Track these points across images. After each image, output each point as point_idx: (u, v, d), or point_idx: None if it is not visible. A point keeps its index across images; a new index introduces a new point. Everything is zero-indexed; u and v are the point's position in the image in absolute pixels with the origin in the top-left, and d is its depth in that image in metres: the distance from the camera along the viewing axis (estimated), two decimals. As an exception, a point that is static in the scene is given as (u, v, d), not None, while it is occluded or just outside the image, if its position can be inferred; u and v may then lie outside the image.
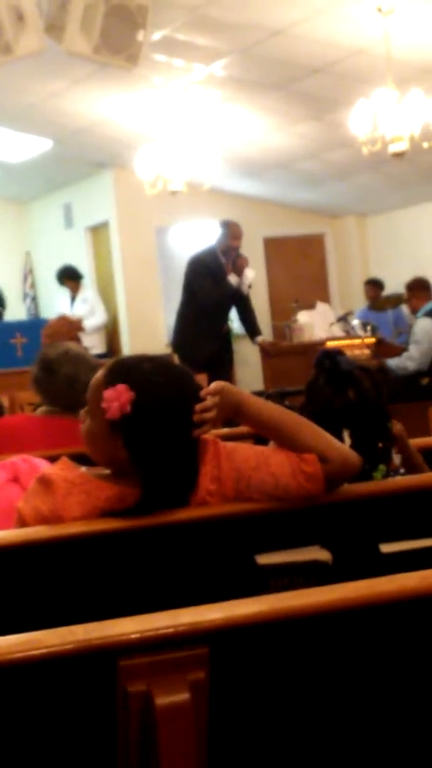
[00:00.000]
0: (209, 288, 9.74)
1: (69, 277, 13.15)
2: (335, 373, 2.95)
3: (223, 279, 9.72)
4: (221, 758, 1.64)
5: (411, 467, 3.14)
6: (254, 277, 9.98)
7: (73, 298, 13.09)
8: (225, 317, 10.05)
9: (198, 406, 2.52)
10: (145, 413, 2.50)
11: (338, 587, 1.70)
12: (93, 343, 11.94)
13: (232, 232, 9.92)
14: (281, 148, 12.21)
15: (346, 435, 2.84)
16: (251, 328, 10.34)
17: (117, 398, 2.50)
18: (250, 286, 9.90)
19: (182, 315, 10.11)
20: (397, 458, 3.00)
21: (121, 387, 2.51)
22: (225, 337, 10.08)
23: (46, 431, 4.05)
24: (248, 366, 13.04)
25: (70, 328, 5.81)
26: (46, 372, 4.20)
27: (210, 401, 2.53)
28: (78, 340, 5.70)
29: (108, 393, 2.52)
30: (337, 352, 3.05)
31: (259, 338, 10.43)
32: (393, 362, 9.11)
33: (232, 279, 9.76)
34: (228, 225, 10.01)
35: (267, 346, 10.61)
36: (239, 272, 9.77)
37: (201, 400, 2.54)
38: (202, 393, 2.55)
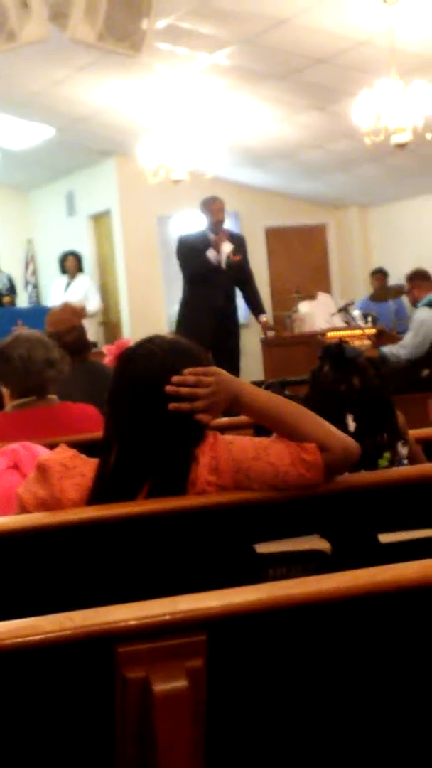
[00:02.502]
0: (192, 262, 9.89)
1: (74, 256, 13.08)
2: (340, 360, 2.98)
3: (203, 253, 9.85)
4: (219, 745, 1.64)
5: (411, 459, 3.15)
6: (231, 250, 9.94)
7: (67, 285, 13.05)
8: (217, 292, 9.96)
9: (175, 379, 2.52)
10: (125, 373, 2.58)
11: (337, 576, 1.70)
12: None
13: (209, 208, 10.02)
14: (284, 138, 12.19)
15: (350, 420, 2.85)
16: (253, 305, 10.33)
17: (118, 346, 2.60)
18: (230, 258, 9.90)
19: (182, 299, 10.22)
20: (404, 449, 3.00)
21: (123, 342, 2.60)
22: (226, 320, 9.97)
23: (18, 426, 4.04)
24: (249, 356, 13.03)
25: (73, 315, 5.79)
26: (2, 360, 4.19)
27: (191, 378, 2.52)
28: (81, 327, 5.68)
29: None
30: (343, 342, 3.09)
31: (263, 317, 10.41)
32: (386, 349, 9.10)
33: (210, 254, 9.85)
34: (205, 203, 10.11)
35: (267, 327, 10.58)
36: (216, 248, 9.86)
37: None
38: (187, 371, 2.54)
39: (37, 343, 4.23)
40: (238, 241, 10.09)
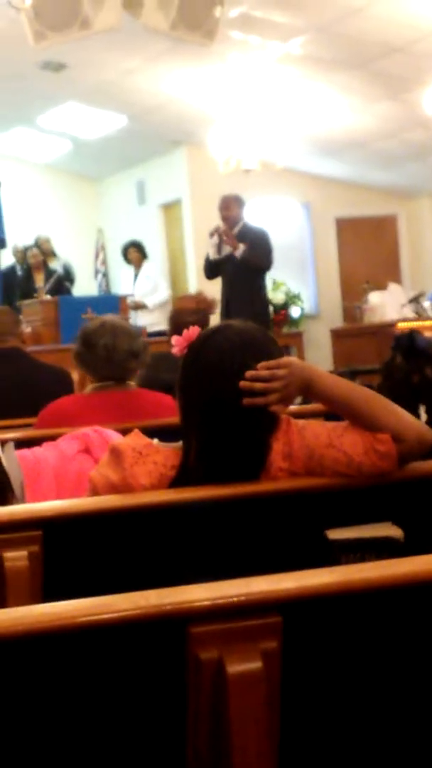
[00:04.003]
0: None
1: (135, 247, 13.07)
2: (412, 351, 2.95)
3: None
4: (292, 728, 1.64)
5: None
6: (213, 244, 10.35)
7: (136, 275, 13.04)
8: (224, 284, 10.24)
9: (248, 374, 2.51)
10: (196, 366, 2.56)
11: (414, 560, 1.69)
12: (156, 320, 11.94)
13: (218, 207, 10.38)
14: (357, 128, 12.13)
15: (422, 411, 2.83)
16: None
17: (186, 338, 2.57)
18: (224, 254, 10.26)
19: None
20: None
21: (194, 329, 2.57)
22: (233, 313, 9.92)
23: (95, 409, 4.06)
24: (317, 346, 13.01)
25: (201, 302, 5.78)
26: (86, 346, 4.21)
27: (265, 372, 2.51)
28: (204, 315, 5.66)
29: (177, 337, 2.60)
30: (415, 332, 3.06)
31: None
32: None
33: (210, 251, 10.31)
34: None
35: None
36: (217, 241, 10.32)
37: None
38: (261, 365, 2.52)
39: (122, 332, 4.24)
40: (247, 237, 10.19)
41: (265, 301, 10.53)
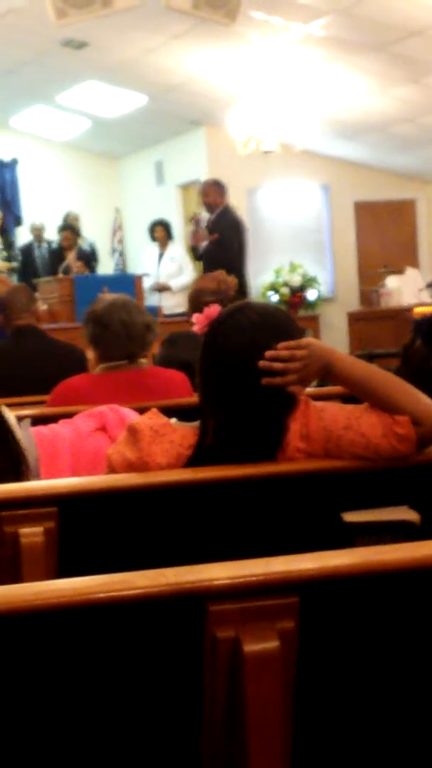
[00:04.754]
0: None
1: (162, 226, 12.98)
2: (431, 336, 2.94)
3: None
4: (307, 708, 1.64)
5: None
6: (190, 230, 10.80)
7: (160, 256, 12.97)
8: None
9: (268, 354, 2.51)
10: (215, 346, 2.56)
11: (430, 543, 1.68)
12: (179, 302, 11.92)
13: (198, 193, 10.73)
14: (377, 111, 12.09)
15: (441, 397, 2.82)
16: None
17: (207, 316, 2.58)
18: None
19: None
20: None
21: (215, 308, 2.57)
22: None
23: (107, 388, 4.05)
24: (334, 329, 12.99)
25: (222, 282, 5.75)
26: (100, 326, 4.19)
27: (285, 352, 2.51)
28: (226, 295, 5.64)
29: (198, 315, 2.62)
30: (434, 316, 3.05)
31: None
32: None
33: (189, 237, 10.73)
34: None
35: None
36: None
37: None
38: (281, 345, 2.52)
39: (133, 307, 4.24)
40: (218, 228, 10.25)
41: (245, 289, 10.51)
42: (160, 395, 4.09)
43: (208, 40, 10.28)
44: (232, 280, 5.78)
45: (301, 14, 9.67)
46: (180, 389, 4.25)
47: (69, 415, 3.38)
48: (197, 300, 5.39)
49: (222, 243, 10.11)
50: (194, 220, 10.30)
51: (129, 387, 4.09)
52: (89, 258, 12.99)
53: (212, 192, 10.28)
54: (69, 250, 13.12)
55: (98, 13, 8.06)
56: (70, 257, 12.91)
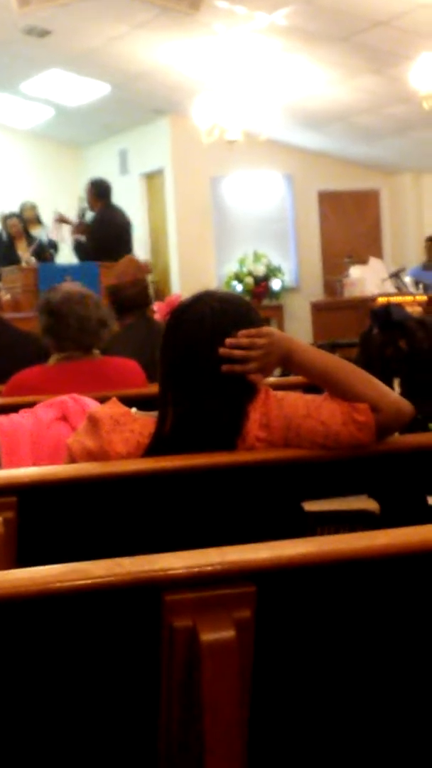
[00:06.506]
0: None
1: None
2: (388, 324, 2.95)
3: None
4: (263, 696, 1.64)
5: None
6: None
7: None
8: None
9: (228, 341, 2.51)
10: (177, 333, 2.57)
11: (387, 532, 1.69)
12: None
13: None
14: (340, 101, 12.11)
15: (396, 384, 2.84)
16: None
17: (169, 303, 2.59)
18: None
19: None
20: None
21: (176, 296, 2.59)
22: None
23: (61, 379, 4.04)
24: (297, 319, 13.01)
25: (138, 269, 5.75)
26: (55, 318, 4.16)
27: (245, 340, 2.52)
28: (145, 282, 5.65)
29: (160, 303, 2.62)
30: (392, 304, 3.06)
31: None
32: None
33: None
34: None
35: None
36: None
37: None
38: (241, 333, 2.53)
39: (89, 301, 4.22)
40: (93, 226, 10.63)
41: None
42: (114, 384, 4.08)
43: (172, 29, 10.25)
44: (144, 262, 5.84)
45: (265, 4, 9.67)
46: (134, 376, 4.25)
47: (25, 406, 3.37)
48: (119, 298, 5.34)
49: (88, 242, 10.47)
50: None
51: (84, 377, 4.07)
52: (43, 247, 12.86)
53: (87, 193, 10.38)
54: (18, 239, 13.01)
55: (61, 1, 8.03)
56: (21, 247, 12.81)
